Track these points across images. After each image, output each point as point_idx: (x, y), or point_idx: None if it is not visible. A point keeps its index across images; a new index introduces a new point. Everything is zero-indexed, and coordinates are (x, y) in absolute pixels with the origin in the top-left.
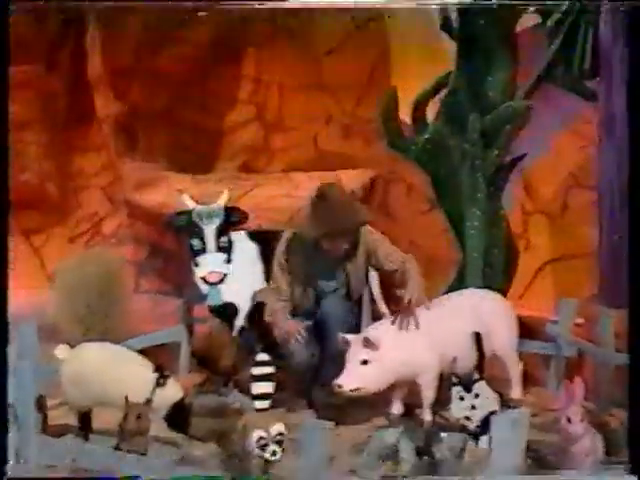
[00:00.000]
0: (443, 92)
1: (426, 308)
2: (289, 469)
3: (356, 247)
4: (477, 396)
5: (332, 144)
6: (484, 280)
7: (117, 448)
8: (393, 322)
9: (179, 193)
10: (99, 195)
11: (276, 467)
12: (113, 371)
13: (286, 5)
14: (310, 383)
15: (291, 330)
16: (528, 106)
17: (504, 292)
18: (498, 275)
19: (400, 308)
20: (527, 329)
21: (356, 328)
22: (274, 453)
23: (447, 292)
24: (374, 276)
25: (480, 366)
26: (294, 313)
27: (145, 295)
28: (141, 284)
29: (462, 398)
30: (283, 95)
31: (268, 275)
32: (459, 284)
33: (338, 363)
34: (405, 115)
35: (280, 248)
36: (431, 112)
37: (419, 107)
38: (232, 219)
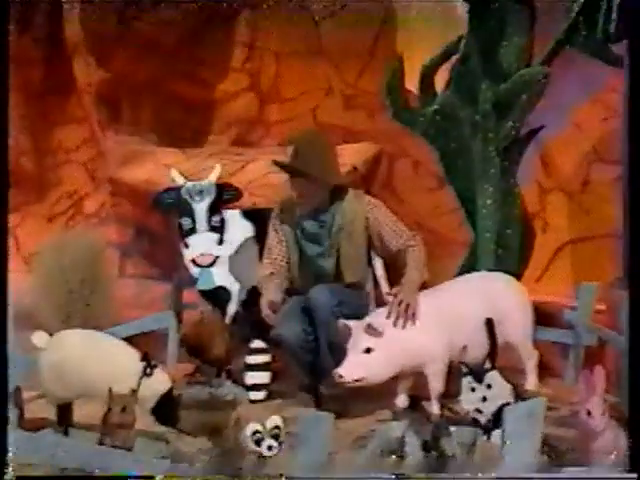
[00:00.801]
0: (453, 59)
1: (433, 292)
2: (286, 465)
3: (327, 210)
4: (489, 387)
5: (332, 116)
6: (497, 263)
7: (100, 443)
8: (387, 316)
9: (167, 169)
10: (80, 171)
11: (272, 463)
12: (96, 360)
13: None
14: (308, 372)
15: (267, 304)
16: (546, 73)
17: (519, 276)
18: (512, 257)
19: (393, 303)
20: (543, 315)
21: (355, 315)
22: (270, 448)
23: (457, 276)
24: (378, 260)
25: (492, 355)
26: (289, 292)
27: (130, 279)
28: (126, 268)
29: (473, 389)
30: (279, 63)
31: (263, 256)
32: (470, 267)
33: (334, 351)
34: (411, 85)
35: (273, 216)
36: (440, 81)
37: (427, 76)
38: (225, 196)
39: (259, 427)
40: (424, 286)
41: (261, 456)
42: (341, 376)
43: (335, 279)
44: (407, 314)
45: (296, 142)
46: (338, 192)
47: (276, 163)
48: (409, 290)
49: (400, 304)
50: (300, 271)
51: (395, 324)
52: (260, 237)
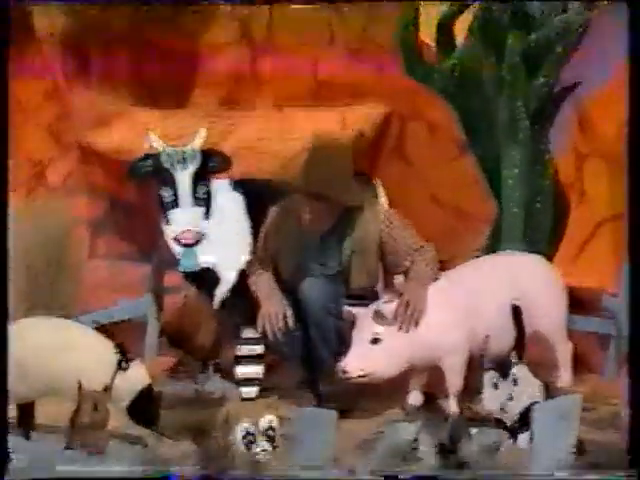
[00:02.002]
0: (475, 5)
1: (451, 275)
2: (282, 470)
3: (344, 231)
4: (515, 383)
5: (335, 72)
6: (525, 241)
7: (67, 447)
8: (394, 316)
9: (144, 132)
10: (42, 134)
11: (266, 468)
12: (63, 352)
13: None
14: (304, 369)
15: (273, 312)
16: (586, 21)
17: (550, 256)
18: (543, 235)
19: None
20: (579, 302)
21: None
22: (263, 451)
23: (479, 256)
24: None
25: (519, 347)
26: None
27: (103, 260)
28: (97, 247)
29: (496, 386)
30: (274, 9)
31: (256, 234)
32: (494, 246)
33: (331, 342)
34: (427, 36)
35: (269, 218)
36: (460, 32)
37: (445, 26)
38: (211, 164)
39: (251, 427)
40: (441, 267)
41: (253, 460)
42: (345, 370)
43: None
44: (413, 317)
45: (308, 155)
46: (351, 211)
47: (285, 185)
48: (416, 287)
49: (407, 306)
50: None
51: (400, 328)
52: (252, 211)
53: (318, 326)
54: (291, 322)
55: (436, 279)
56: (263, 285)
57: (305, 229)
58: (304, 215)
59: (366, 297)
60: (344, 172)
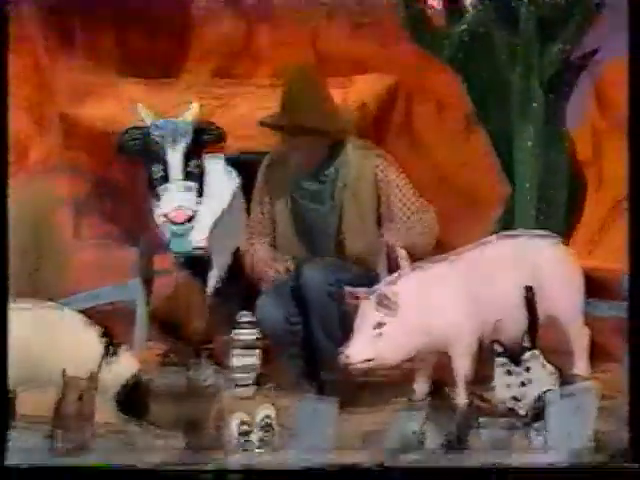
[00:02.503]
0: None
1: (461, 256)
2: (279, 464)
3: (329, 164)
4: (528, 371)
5: (336, 42)
6: (539, 220)
7: (49, 437)
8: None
9: (132, 105)
10: (21, 108)
11: (262, 461)
12: (46, 338)
13: None
14: (302, 360)
15: (278, 267)
16: None
17: (566, 237)
18: (558, 214)
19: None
20: (596, 285)
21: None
22: (260, 443)
23: (490, 235)
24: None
25: (532, 332)
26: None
27: (88, 242)
28: (82, 228)
29: (508, 373)
30: None
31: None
32: (506, 226)
33: (332, 328)
34: (435, 0)
35: (261, 173)
36: None
37: None
38: (204, 138)
39: (247, 418)
40: (450, 248)
41: (249, 453)
42: (347, 357)
43: (336, 250)
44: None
45: (283, 90)
46: (340, 143)
47: (263, 124)
48: (400, 233)
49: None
50: (295, 240)
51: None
52: (248, 188)
53: (319, 310)
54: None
55: (429, 248)
56: (264, 254)
57: (295, 171)
58: (291, 158)
59: (361, 262)
60: (320, 98)
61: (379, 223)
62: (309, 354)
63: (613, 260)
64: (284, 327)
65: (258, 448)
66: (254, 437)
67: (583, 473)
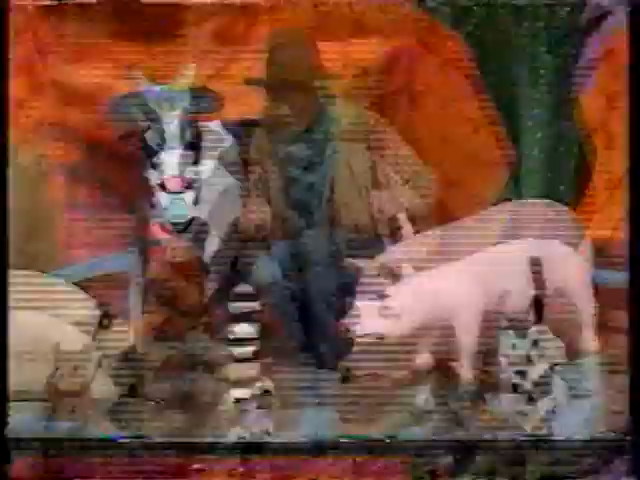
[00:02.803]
0: None
1: (463, 225)
2: (279, 440)
3: (318, 125)
4: (535, 344)
5: (337, 4)
6: (546, 189)
7: (44, 414)
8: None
9: (127, 69)
10: (11, 71)
11: (261, 437)
12: (38, 310)
13: None
14: (301, 328)
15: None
16: None
17: (574, 203)
18: (566, 182)
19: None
20: (606, 255)
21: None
22: (259, 419)
23: (496, 204)
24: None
25: (539, 304)
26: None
27: (81, 210)
28: (75, 195)
29: (514, 347)
30: None
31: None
32: (513, 193)
33: (333, 298)
34: None
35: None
36: None
37: None
38: (202, 104)
39: (245, 392)
40: (452, 217)
41: (247, 428)
42: (348, 330)
43: (332, 222)
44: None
45: (268, 50)
46: (329, 100)
47: (248, 82)
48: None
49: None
50: (289, 213)
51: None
52: (247, 153)
53: (319, 279)
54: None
55: (419, 212)
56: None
57: (284, 134)
58: (279, 120)
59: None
60: (305, 54)
61: (376, 187)
62: (309, 325)
63: (623, 229)
64: (282, 284)
65: (256, 422)
66: (253, 411)
67: (584, 448)
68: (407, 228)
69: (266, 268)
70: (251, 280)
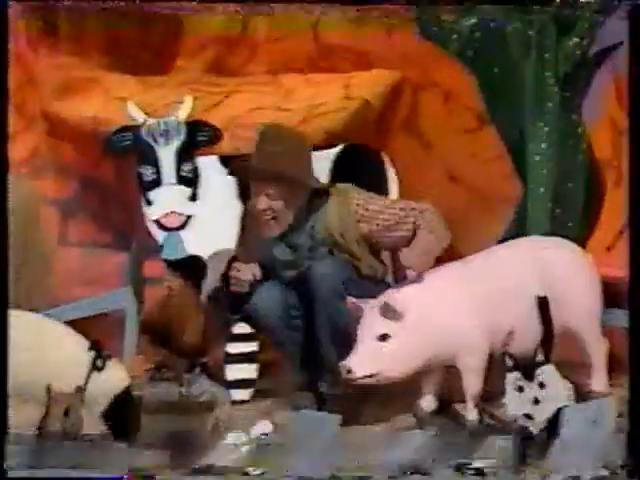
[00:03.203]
0: None
1: (470, 263)
2: None
3: (302, 226)
4: (542, 386)
5: (339, 33)
6: (554, 225)
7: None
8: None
9: (122, 102)
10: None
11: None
12: (30, 351)
13: None
14: (303, 365)
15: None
16: None
17: (582, 242)
18: (575, 219)
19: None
20: (615, 294)
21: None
22: (257, 461)
23: (502, 242)
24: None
25: (546, 344)
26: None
27: (75, 248)
28: (69, 232)
29: (521, 389)
30: None
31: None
32: (519, 231)
33: (337, 339)
34: None
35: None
36: None
37: None
38: (198, 138)
39: (243, 436)
40: (459, 255)
41: (245, 473)
42: (350, 370)
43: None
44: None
45: (260, 135)
46: (317, 199)
47: (233, 170)
48: (421, 257)
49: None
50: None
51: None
52: (245, 191)
53: (327, 310)
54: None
55: (446, 244)
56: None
57: (267, 230)
58: (259, 206)
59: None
60: (298, 149)
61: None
62: (309, 364)
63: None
64: (283, 318)
65: (254, 467)
66: (250, 455)
67: None
68: (411, 271)
69: (267, 299)
70: (250, 308)
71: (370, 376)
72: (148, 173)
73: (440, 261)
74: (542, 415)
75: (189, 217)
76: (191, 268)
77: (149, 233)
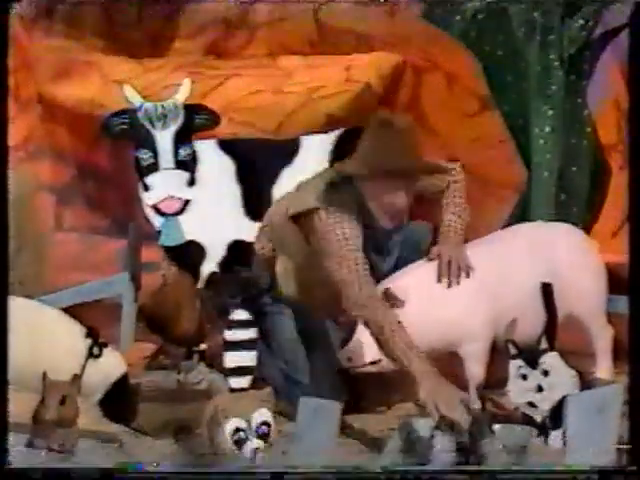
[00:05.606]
0: None
1: (473, 249)
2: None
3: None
4: (546, 374)
5: (340, 16)
6: (558, 211)
7: (29, 445)
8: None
9: (118, 85)
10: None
11: (259, 470)
12: (25, 338)
13: None
14: (307, 352)
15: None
16: None
17: (587, 228)
18: (579, 204)
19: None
20: (621, 280)
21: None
22: (256, 451)
23: (505, 227)
24: None
25: (550, 332)
26: None
27: (71, 233)
28: (64, 218)
29: (524, 377)
30: None
31: (247, 201)
32: (522, 216)
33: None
34: None
35: None
36: None
37: None
38: (196, 122)
39: (242, 424)
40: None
41: (244, 460)
42: (350, 358)
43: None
44: (460, 273)
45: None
46: None
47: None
48: (454, 242)
49: (450, 264)
50: None
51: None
52: (243, 175)
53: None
54: None
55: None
56: None
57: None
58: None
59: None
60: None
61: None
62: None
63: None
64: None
65: (254, 455)
66: (250, 444)
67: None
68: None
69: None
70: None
71: (371, 364)
72: (145, 157)
73: None
74: (546, 403)
75: (187, 202)
76: (189, 254)
77: (146, 219)
